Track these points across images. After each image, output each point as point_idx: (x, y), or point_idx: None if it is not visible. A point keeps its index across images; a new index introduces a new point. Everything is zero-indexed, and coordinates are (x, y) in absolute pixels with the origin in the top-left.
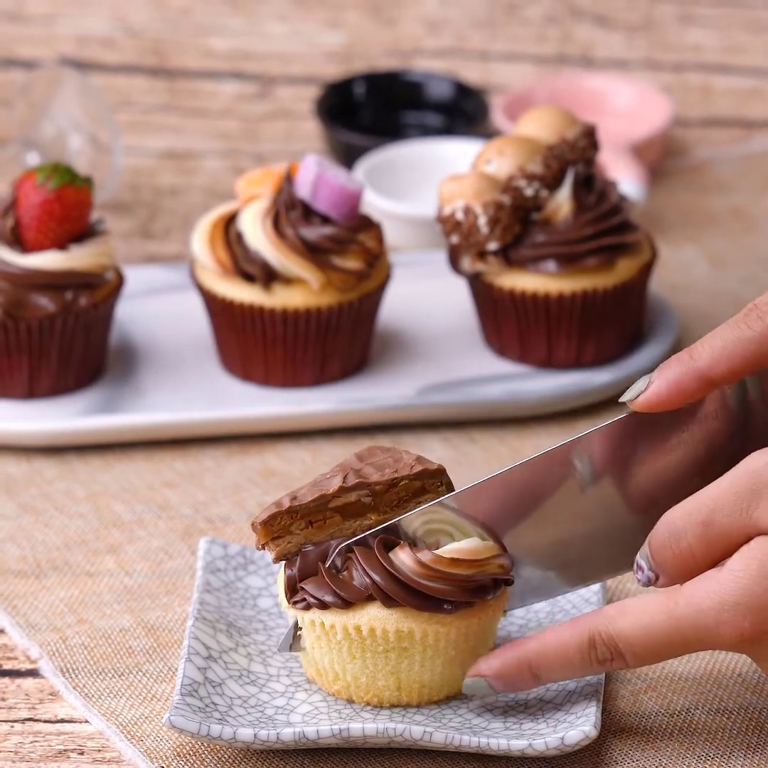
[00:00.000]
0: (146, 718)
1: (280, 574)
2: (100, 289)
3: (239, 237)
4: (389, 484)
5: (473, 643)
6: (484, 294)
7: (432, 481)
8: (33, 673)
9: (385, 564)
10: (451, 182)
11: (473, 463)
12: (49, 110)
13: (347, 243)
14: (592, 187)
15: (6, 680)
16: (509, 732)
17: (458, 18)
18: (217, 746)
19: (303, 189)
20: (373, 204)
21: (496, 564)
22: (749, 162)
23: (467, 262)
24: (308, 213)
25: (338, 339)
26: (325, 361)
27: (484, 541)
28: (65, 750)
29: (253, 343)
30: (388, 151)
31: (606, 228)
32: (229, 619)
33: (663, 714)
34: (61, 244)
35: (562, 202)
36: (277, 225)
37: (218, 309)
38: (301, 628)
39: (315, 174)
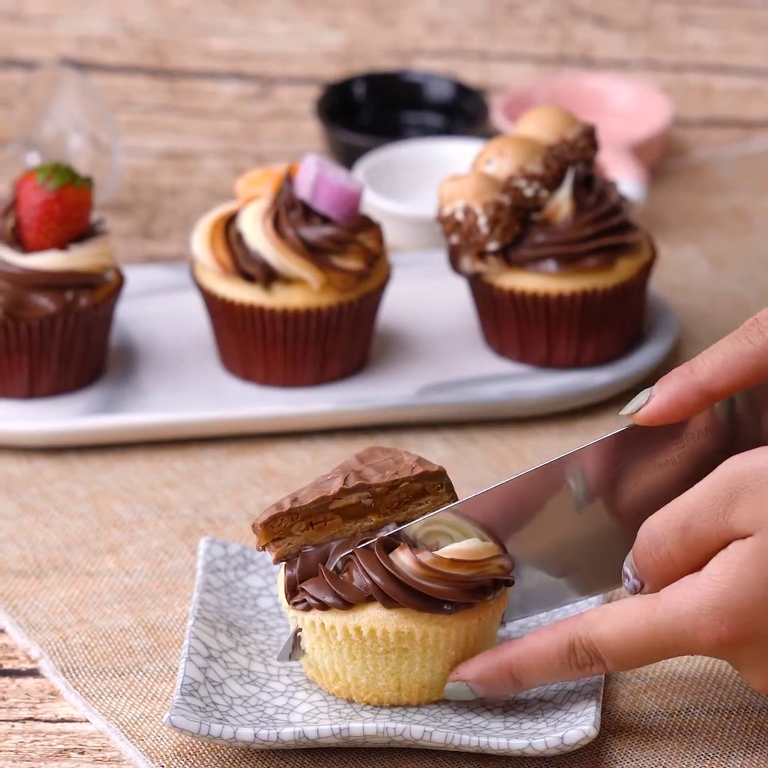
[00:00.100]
0: (146, 717)
1: (280, 575)
2: (101, 289)
3: (239, 237)
4: (390, 485)
5: (473, 643)
6: (484, 294)
7: (432, 483)
8: (33, 673)
9: (385, 565)
10: (451, 182)
11: (473, 463)
12: (50, 110)
13: (347, 243)
14: (592, 187)
15: (6, 680)
16: (509, 731)
17: (458, 18)
18: (218, 746)
19: (303, 189)
20: (373, 204)
21: (496, 565)
22: (749, 162)
23: (467, 262)
24: (308, 213)
25: (338, 339)
26: (325, 361)
27: (483, 542)
28: (66, 749)
29: (253, 343)
30: (388, 152)
31: (606, 228)
32: (229, 618)
33: (663, 713)
34: (62, 245)
35: (562, 202)
36: (277, 225)
37: (218, 309)
38: (300, 638)
39: (315, 174)
